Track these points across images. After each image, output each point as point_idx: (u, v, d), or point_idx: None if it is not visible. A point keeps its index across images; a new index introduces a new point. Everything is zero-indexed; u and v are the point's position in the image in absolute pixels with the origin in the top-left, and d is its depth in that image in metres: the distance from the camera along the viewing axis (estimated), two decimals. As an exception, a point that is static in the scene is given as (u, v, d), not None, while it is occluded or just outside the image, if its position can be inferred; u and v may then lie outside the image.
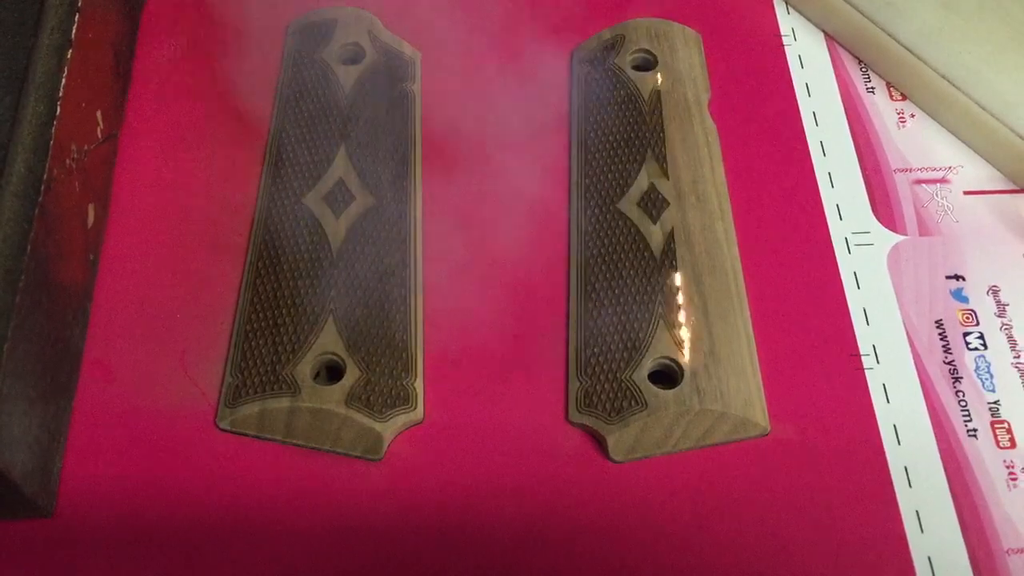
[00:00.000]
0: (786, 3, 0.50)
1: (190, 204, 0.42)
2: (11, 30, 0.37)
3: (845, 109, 0.46)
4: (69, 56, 0.38)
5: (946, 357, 0.39)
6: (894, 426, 0.38)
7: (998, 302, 0.41)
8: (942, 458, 0.37)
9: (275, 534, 0.35)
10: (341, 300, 0.39)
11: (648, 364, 0.38)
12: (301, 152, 0.43)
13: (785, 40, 0.49)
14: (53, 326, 0.35)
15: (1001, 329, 0.40)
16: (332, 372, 0.38)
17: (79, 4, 0.39)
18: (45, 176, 0.35)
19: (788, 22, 0.49)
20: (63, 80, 0.37)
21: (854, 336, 0.40)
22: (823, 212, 0.43)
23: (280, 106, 0.45)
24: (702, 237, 0.41)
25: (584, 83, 0.46)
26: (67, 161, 0.37)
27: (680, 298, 0.39)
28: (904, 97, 0.47)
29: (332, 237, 0.40)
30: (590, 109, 0.45)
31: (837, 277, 0.41)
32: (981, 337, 0.40)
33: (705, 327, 0.38)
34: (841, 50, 0.48)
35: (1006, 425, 0.38)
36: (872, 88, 0.47)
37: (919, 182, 0.44)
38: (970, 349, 0.40)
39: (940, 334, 0.40)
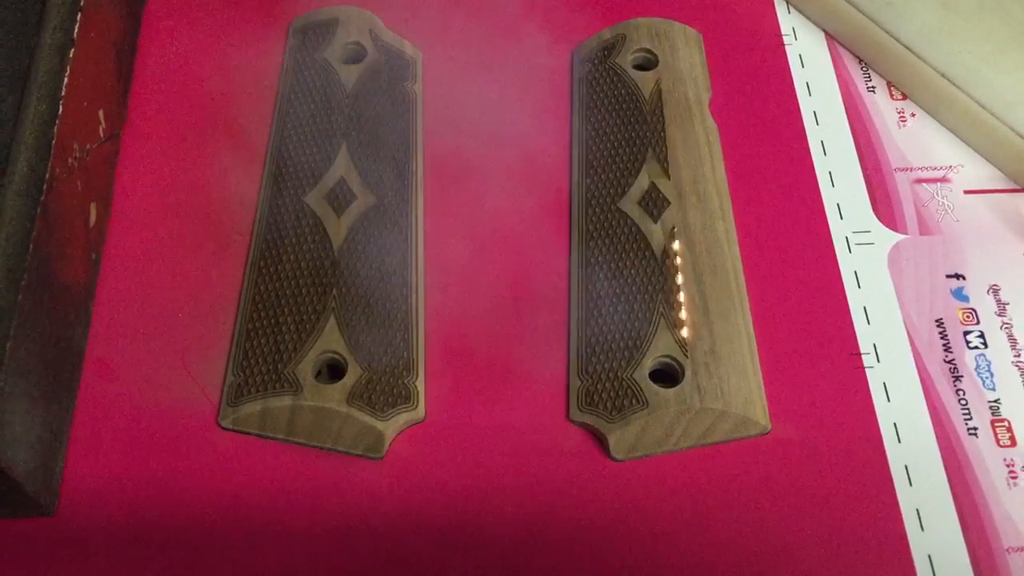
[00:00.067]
0: (787, 3, 0.50)
1: (192, 203, 0.43)
2: (14, 29, 0.37)
3: (846, 108, 0.46)
4: (71, 55, 0.38)
5: (946, 356, 0.40)
6: (894, 425, 0.38)
7: (998, 301, 0.41)
8: (942, 456, 0.37)
9: (277, 532, 0.35)
10: (342, 299, 0.39)
11: (649, 363, 0.38)
12: (302, 151, 0.43)
13: (786, 39, 0.49)
14: (55, 325, 0.35)
15: (1001, 328, 0.40)
16: (334, 371, 0.38)
17: (81, 3, 0.39)
18: (47, 175, 0.35)
19: (789, 21, 0.49)
20: (65, 79, 0.37)
21: (855, 335, 0.40)
22: (824, 211, 0.43)
23: (281, 105, 0.45)
24: (703, 236, 0.41)
25: (585, 82, 0.46)
26: (69, 160, 0.37)
27: (681, 297, 0.39)
28: (904, 96, 0.47)
29: (333, 236, 0.40)
30: (591, 108, 0.45)
31: (838, 276, 0.41)
32: (981, 336, 0.40)
33: (706, 326, 0.38)
34: (842, 49, 0.48)
35: (1006, 423, 0.38)
36: (873, 87, 0.47)
37: (919, 181, 0.44)
38: (970, 348, 0.40)
39: (940, 333, 0.40)
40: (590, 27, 0.48)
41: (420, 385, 0.38)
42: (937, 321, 0.40)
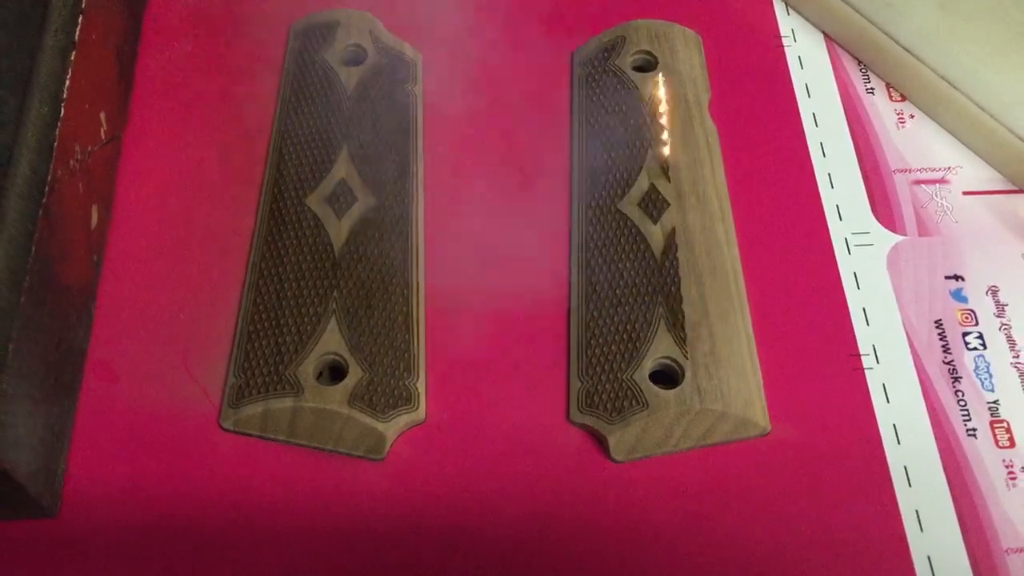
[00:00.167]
0: (786, 4, 0.50)
1: (193, 205, 0.43)
2: (15, 31, 0.37)
3: (845, 110, 0.47)
4: (73, 58, 0.38)
5: (945, 357, 0.40)
6: (894, 426, 0.38)
7: (997, 302, 0.41)
8: (941, 458, 0.37)
9: (278, 533, 0.35)
10: (343, 300, 0.39)
11: (649, 364, 0.38)
12: (303, 153, 0.43)
13: (785, 41, 0.49)
14: (57, 326, 0.36)
15: (1000, 329, 0.40)
16: (335, 372, 0.38)
17: (83, 6, 0.39)
18: (49, 177, 0.35)
19: (788, 23, 0.50)
20: (67, 82, 0.37)
21: (854, 336, 0.40)
22: (823, 212, 0.43)
23: (282, 107, 0.45)
24: (703, 237, 0.41)
25: (585, 84, 0.46)
26: (71, 162, 0.37)
27: (681, 298, 0.39)
28: (903, 98, 0.47)
29: (334, 237, 0.40)
30: (591, 110, 0.45)
31: (837, 277, 0.42)
32: (980, 337, 0.40)
33: (706, 327, 0.39)
34: (841, 51, 0.49)
35: (1005, 424, 0.38)
36: (872, 89, 0.47)
37: (918, 182, 0.44)
38: (969, 349, 0.40)
39: (939, 334, 0.40)
40: (590, 29, 0.48)
41: (421, 386, 0.38)
42: (936, 322, 0.41)
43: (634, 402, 0.37)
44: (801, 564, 0.35)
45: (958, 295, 0.41)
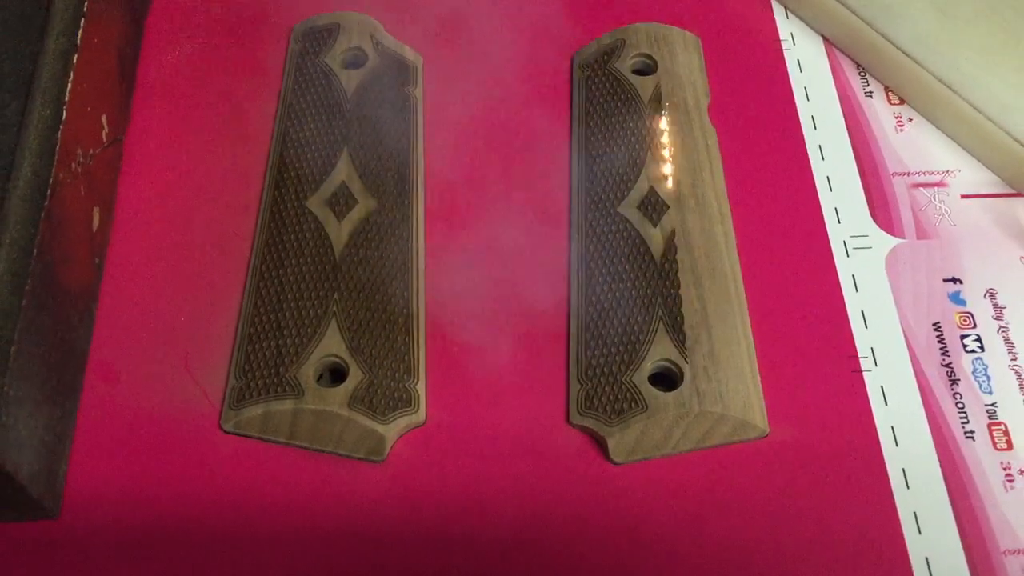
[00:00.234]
0: (785, 8, 0.50)
1: (194, 207, 0.43)
2: (18, 35, 0.37)
3: (844, 113, 0.47)
4: (75, 61, 0.38)
5: (944, 360, 0.40)
6: (892, 428, 0.38)
7: (995, 305, 0.41)
8: (940, 460, 0.37)
9: (279, 535, 0.36)
10: (344, 303, 0.39)
11: (648, 366, 0.38)
12: (304, 156, 0.43)
13: (784, 44, 0.49)
14: (59, 329, 0.36)
15: (998, 332, 0.40)
16: (335, 374, 0.38)
17: (85, 9, 0.39)
18: (51, 180, 0.35)
19: (787, 27, 0.50)
20: (69, 85, 0.37)
21: (852, 339, 0.40)
22: (822, 215, 0.43)
23: (283, 110, 0.45)
24: (702, 240, 0.41)
25: (584, 87, 0.47)
26: (73, 165, 0.37)
27: (680, 301, 0.39)
28: (902, 101, 0.47)
29: (335, 240, 0.40)
30: (591, 113, 0.46)
31: (835, 280, 0.42)
32: (978, 340, 0.40)
33: (705, 330, 0.39)
34: (840, 55, 0.49)
35: (1003, 427, 0.38)
36: (870, 92, 0.47)
37: (917, 186, 0.44)
38: (967, 352, 0.40)
39: (938, 337, 0.40)
40: (589, 32, 0.48)
41: (421, 389, 0.38)
42: (934, 325, 0.41)
43: (633, 404, 0.37)
44: (799, 566, 0.35)
45: (956, 298, 0.41)
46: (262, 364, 0.38)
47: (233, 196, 0.43)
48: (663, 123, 0.44)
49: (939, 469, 0.37)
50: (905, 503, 0.36)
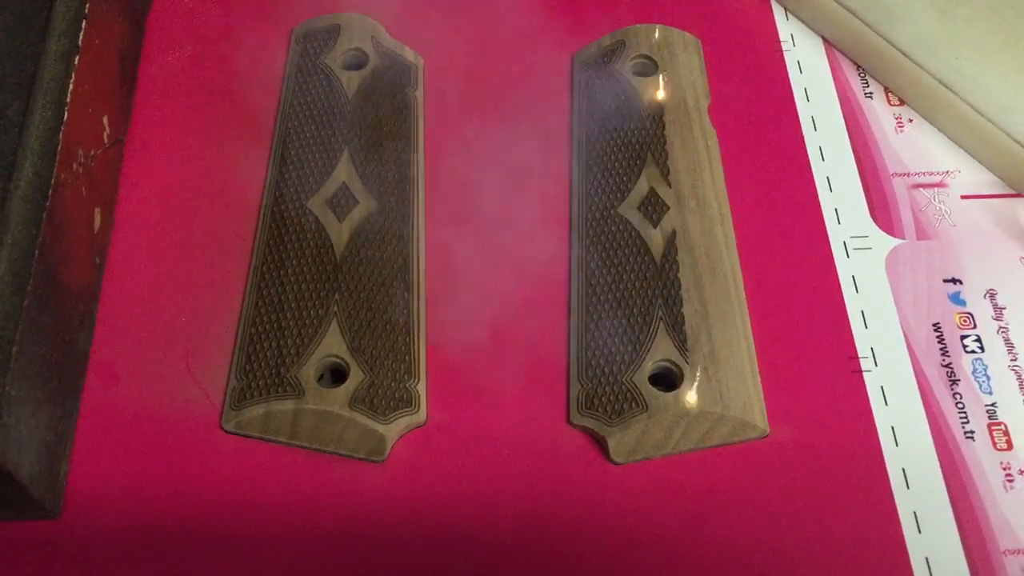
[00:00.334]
0: (785, 9, 0.50)
1: (195, 208, 0.43)
2: (19, 36, 0.38)
3: (844, 114, 0.47)
4: (76, 62, 0.38)
5: (944, 360, 0.40)
6: (892, 428, 0.38)
7: (995, 305, 0.41)
8: (940, 460, 0.37)
9: (279, 535, 0.36)
10: (345, 303, 0.39)
11: (648, 367, 0.38)
12: (305, 156, 0.43)
13: (784, 46, 0.49)
14: (60, 329, 0.36)
15: (998, 332, 0.40)
16: (336, 375, 0.38)
17: (86, 10, 0.39)
18: (52, 181, 0.35)
19: (787, 28, 0.50)
20: (70, 86, 0.37)
21: (852, 339, 0.40)
22: (822, 216, 0.43)
23: (284, 111, 0.45)
24: (702, 241, 0.41)
25: (585, 89, 0.47)
26: (74, 166, 0.37)
27: (680, 301, 0.39)
28: (902, 102, 0.47)
29: (335, 241, 0.41)
30: (591, 114, 0.46)
31: (836, 281, 0.42)
32: (978, 340, 0.40)
33: (705, 330, 0.39)
34: (840, 56, 0.49)
35: (1003, 427, 0.38)
36: (870, 93, 0.48)
37: (917, 186, 0.45)
38: (967, 352, 0.40)
39: (938, 337, 0.40)
40: (590, 34, 0.49)
41: (422, 389, 0.38)
42: (934, 325, 0.41)
43: (634, 404, 0.37)
44: (799, 565, 0.35)
45: (956, 298, 0.41)
46: (263, 364, 0.38)
47: (234, 197, 0.43)
48: (663, 124, 0.44)
49: (939, 469, 0.37)
50: (905, 503, 0.36)
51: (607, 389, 0.38)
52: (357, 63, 0.46)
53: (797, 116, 0.46)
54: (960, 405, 0.39)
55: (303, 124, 0.44)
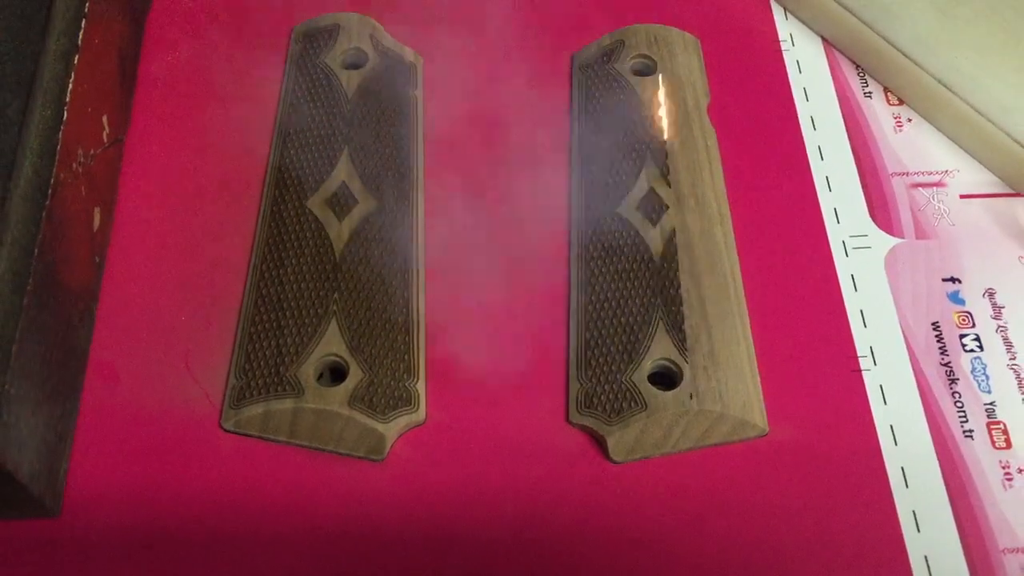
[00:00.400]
0: (784, 9, 0.50)
1: (194, 207, 0.43)
2: (18, 35, 0.38)
3: (843, 113, 0.47)
4: (76, 61, 0.38)
5: (943, 359, 0.40)
6: (891, 427, 0.38)
7: (994, 304, 0.41)
8: (939, 459, 0.37)
9: (279, 533, 0.36)
10: (344, 302, 0.39)
11: (648, 366, 0.38)
12: (304, 156, 0.43)
13: (783, 45, 0.49)
14: (60, 328, 0.36)
15: (997, 331, 0.40)
16: (335, 374, 0.38)
17: (86, 10, 0.39)
18: (52, 180, 0.35)
19: (786, 27, 0.50)
20: (70, 85, 0.37)
21: (851, 338, 0.40)
22: (821, 215, 0.43)
23: (283, 110, 0.45)
24: (701, 240, 0.41)
25: (584, 88, 0.47)
26: (74, 165, 0.37)
27: (679, 300, 0.39)
28: (901, 102, 0.47)
29: (335, 240, 0.41)
30: (590, 113, 0.46)
31: (835, 280, 0.42)
32: (977, 339, 0.40)
33: (704, 329, 0.39)
34: (839, 55, 0.49)
35: (1002, 426, 0.38)
36: (870, 93, 0.48)
37: (916, 186, 0.45)
38: (966, 351, 0.40)
39: (937, 336, 0.40)
40: (589, 33, 0.49)
41: (421, 388, 0.38)
42: (933, 324, 0.41)
43: (633, 403, 0.37)
44: (799, 564, 0.35)
45: (955, 297, 0.41)
46: (262, 363, 0.38)
47: (233, 196, 0.43)
48: (662, 124, 0.44)
49: (938, 468, 0.37)
50: (904, 502, 0.36)
51: (606, 388, 0.38)
52: (357, 62, 0.46)
53: (796, 115, 0.46)
54: (959, 404, 0.39)
55: (303, 123, 0.44)
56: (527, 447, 0.38)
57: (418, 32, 0.48)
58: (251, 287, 0.40)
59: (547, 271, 0.42)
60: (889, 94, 0.47)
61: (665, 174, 0.43)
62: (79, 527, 0.35)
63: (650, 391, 0.37)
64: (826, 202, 0.44)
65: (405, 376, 0.38)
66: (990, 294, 0.41)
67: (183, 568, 0.35)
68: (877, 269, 0.42)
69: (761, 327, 0.40)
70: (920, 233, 0.43)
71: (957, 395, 0.39)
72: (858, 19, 0.47)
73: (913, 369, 0.40)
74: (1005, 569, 0.35)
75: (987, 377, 0.39)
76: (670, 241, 0.41)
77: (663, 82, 0.46)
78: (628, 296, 0.40)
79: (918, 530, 0.36)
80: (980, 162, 0.45)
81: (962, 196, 0.44)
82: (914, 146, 0.46)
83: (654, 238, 0.41)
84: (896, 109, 0.47)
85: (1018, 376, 0.39)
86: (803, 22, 0.50)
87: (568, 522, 0.36)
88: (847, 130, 0.46)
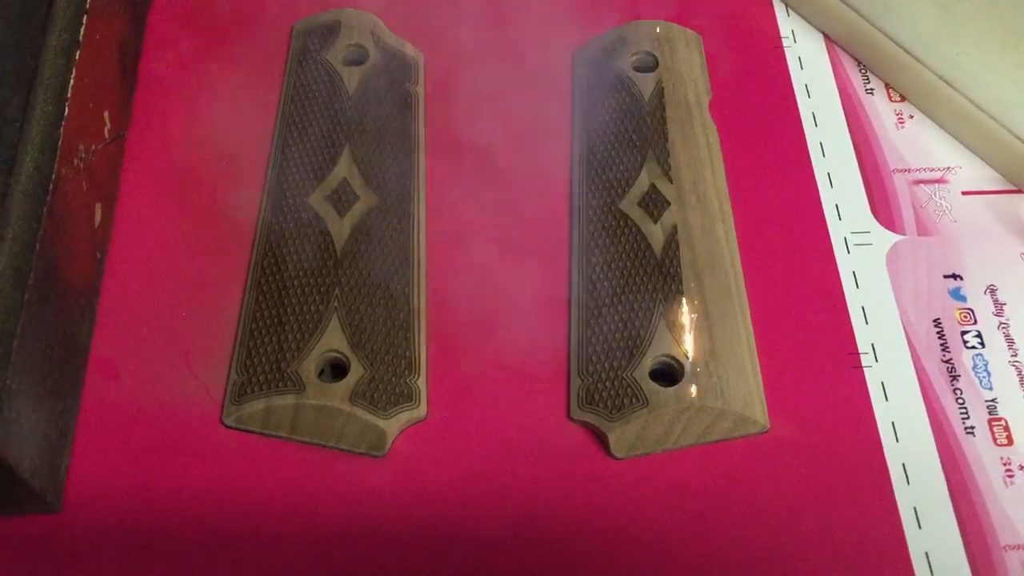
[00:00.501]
0: (786, 5, 0.50)
1: (196, 203, 0.43)
2: (19, 31, 0.38)
3: (844, 110, 0.47)
4: (77, 57, 0.38)
5: (944, 356, 0.40)
6: (892, 424, 0.38)
7: (995, 301, 0.41)
8: (940, 456, 0.37)
9: (279, 529, 0.36)
10: (345, 298, 0.39)
11: (649, 362, 0.38)
12: (306, 152, 0.43)
13: (785, 42, 0.49)
14: (61, 323, 0.36)
15: (999, 328, 0.40)
16: (336, 370, 0.38)
17: (87, 6, 0.39)
18: (53, 176, 0.35)
19: (788, 24, 0.50)
20: (71, 81, 0.37)
21: (853, 335, 0.40)
22: (822, 212, 0.43)
23: (285, 107, 0.45)
24: (703, 237, 0.41)
25: (586, 84, 0.47)
26: (75, 161, 0.37)
27: (681, 297, 0.39)
28: (903, 98, 0.47)
29: (336, 236, 0.41)
30: (592, 110, 0.46)
31: (836, 276, 0.42)
32: (979, 336, 0.40)
33: (705, 325, 0.39)
34: (840, 52, 0.49)
35: (1003, 423, 0.38)
36: (871, 89, 0.48)
37: (917, 182, 0.45)
38: (968, 348, 0.40)
39: (938, 333, 0.40)
40: (591, 29, 0.49)
41: (422, 384, 0.38)
42: (935, 321, 0.41)
43: (634, 400, 0.37)
44: (799, 560, 0.35)
45: (957, 294, 0.41)
46: (263, 359, 0.38)
47: (235, 192, 0.43)
48: (664, 120, 0.44)
49: (939, 464, 0.37)
50: (905, 498, 0.36)
51: (608, 384, 0.38)
52: (358, 59, 0.46)
53: (798, 112, 0.46)
54: (960, 401, 0.39)
55: (304, 120, 0.44)
56: (528, 443, 0.38)
57: (419, 28, 0.48)
58: (252, 283, 0.40)
59: (548, 266, 0.42)
60: (891, 90, 0.47)
61: (667, 170, 0.43)
62: (80, 523, 0.35)
63: (651, 387, 0.37)
64: (828, 199, 0.44)
65: (406, 372, 0.38)
66: (992, 291, 0.41)
67: (184, 563, 0.35)
68: (879, 266, 0.42)
69: (762, 323, 0.40)
70: (922, 230, 0.43)
71: (958, 392, 0.39)
72: (859, 15, 0.47)
73: (914, 366, 0.40)
74: (1006, 566, 0.35)
75: (988, 374, 0.39)
76: (671, 237, 0.41)
77: (664, 79, 0.46)
78: (629, 292, 0.40)
79: (919, 526, 0.36)
80: (982, 158, 0.45)
81: (964, 192, 0.44)
82: (916, 142, 0.46)
83: (655, 234, 0.41)
84: (898, 105, 0.47)
85: (1019, 373, 0.39)
86: (804, 18, 0.50)
87: (569, 518, 0.36)
88: (849, 126, 0.46)
